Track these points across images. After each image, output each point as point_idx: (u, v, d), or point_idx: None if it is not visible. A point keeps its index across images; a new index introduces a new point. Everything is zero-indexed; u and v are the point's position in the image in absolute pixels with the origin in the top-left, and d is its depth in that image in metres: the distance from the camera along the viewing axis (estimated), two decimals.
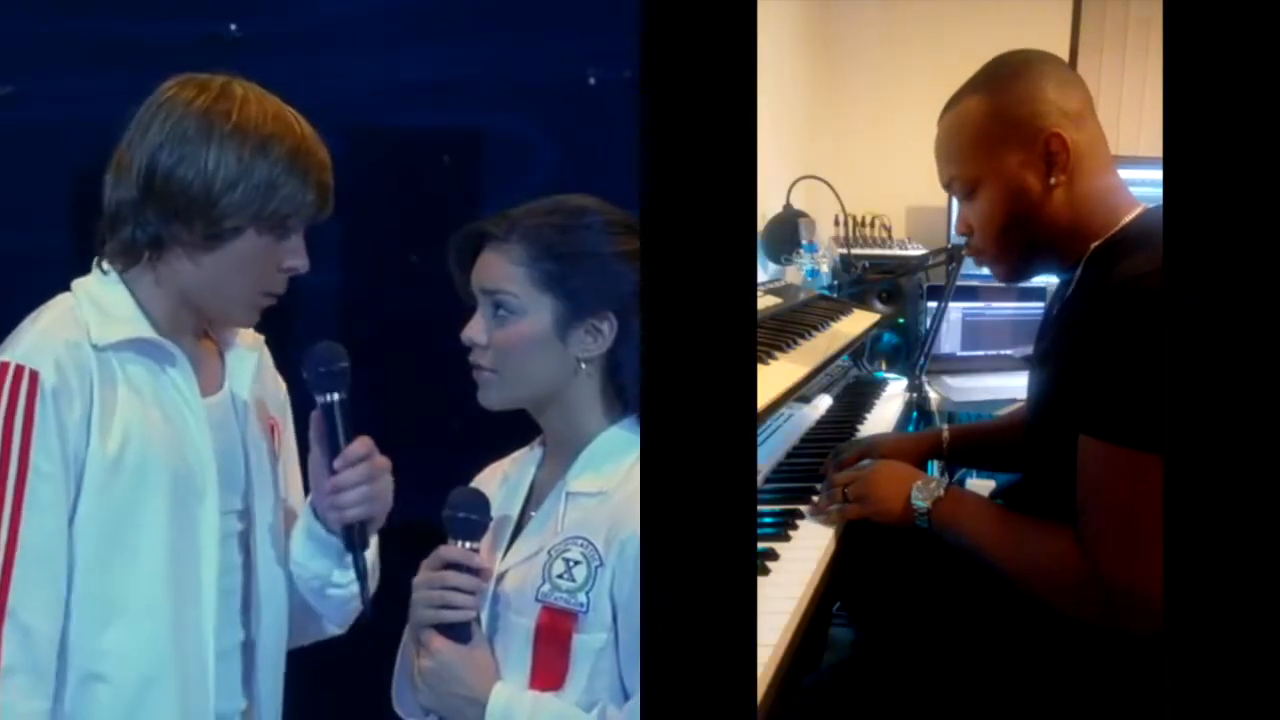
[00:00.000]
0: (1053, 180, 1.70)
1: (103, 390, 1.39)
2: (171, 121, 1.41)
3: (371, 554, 1.52)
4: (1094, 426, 1.54)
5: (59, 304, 1.44)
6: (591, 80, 2.08)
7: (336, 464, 1.46)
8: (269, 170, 1.40)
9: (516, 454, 1.52)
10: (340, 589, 1.52)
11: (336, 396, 1.46)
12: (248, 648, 1.51)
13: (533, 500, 1.47)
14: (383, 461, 1.48)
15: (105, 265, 1.45)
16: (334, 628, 1.61)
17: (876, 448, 2.10)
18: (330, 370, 1.46)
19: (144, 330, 1.43)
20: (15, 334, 1.42)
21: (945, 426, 2.40)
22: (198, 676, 1.45)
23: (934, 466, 2.40)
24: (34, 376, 1.36)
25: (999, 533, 1.70)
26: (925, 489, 1.76)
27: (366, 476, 1.46)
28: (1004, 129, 1.73)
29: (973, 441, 2.25)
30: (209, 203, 1.39)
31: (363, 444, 1.46)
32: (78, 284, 1.46)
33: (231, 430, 1.50)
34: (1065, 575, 1.58)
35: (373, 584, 1.53)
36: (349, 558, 1.48)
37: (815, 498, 1.94)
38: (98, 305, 1.43)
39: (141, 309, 1.44)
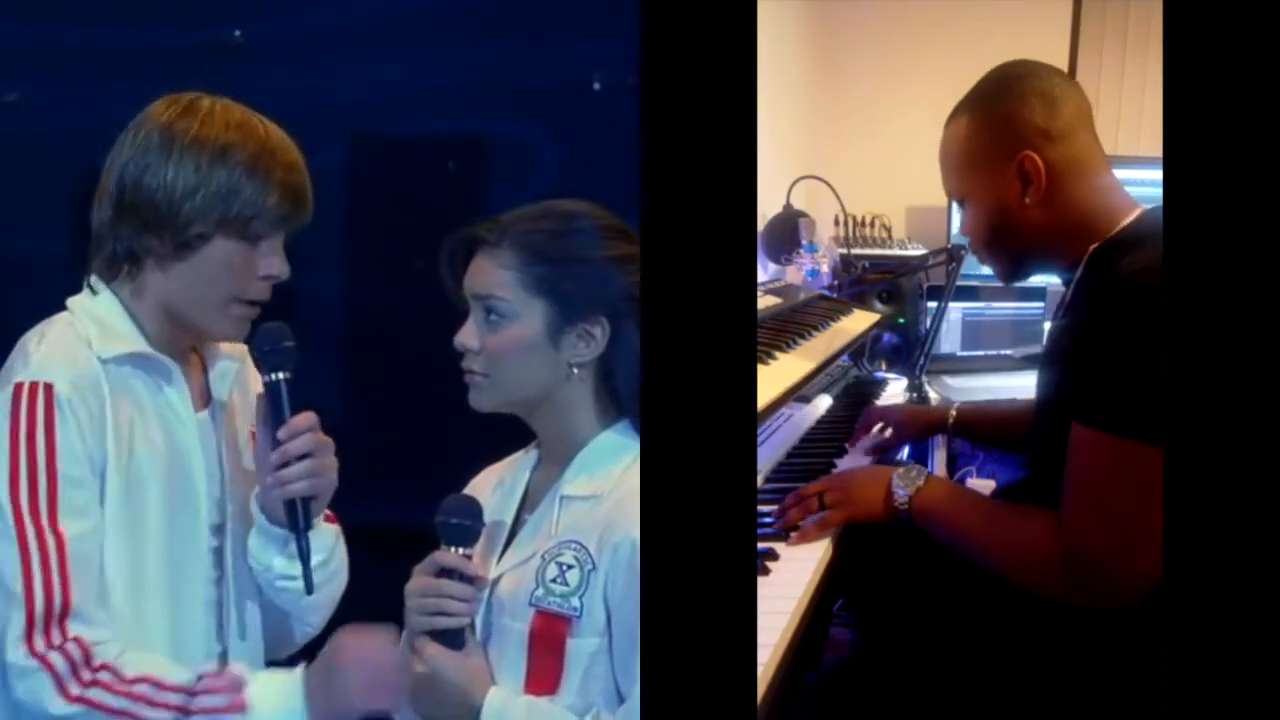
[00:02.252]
0: (1027, 199, 1.77)
1: (113, 400, 1.41)
2: (140, 139, 1.44)
3: (329, 543, 1.52)
4: (1083, 413, 1.56)
5: (59, 321, 1.45)
6: (596, 85, 2.08)
7: (281, 434, 1.46)
8: (228, 176, 1.42)
9: (512, 458, 1.51)
10: (293, 581, 1.51)
11: (282, 375, 1.47)
12: (226, 658, 1.51)
13: (527, 504, 1.47)
14: (325, 438, 1.49)
15: (94, 284, 1.46)
16: (308, 628, 1.60)
17: (893, 414, 2.44)
18: (275, 349, 1.47)
19: (141, 345, 1.45)
20: (21, 357, 1.42)
21: (955, 403, 2.48)
22: None
23: (934, 454, 2.43)
24: (49, 389, 1.37)
25: (978, 516, 1.72)
26: (905, 478, 1.78)
27: (311, 446, 1.47)
28: (983, 151, 1.82)
29: (979, 420, 2.35)
30: (171, 211, 1.42)
31: (306, 418, 1.48)
32: (73, 302, 1.47)
33: (212, 445, 1.51)
34: (1041, 552, 1.59)
35: (340, 578, 1.55)
36: (293, 546, 1.48)
37: (797, 525, 1.83)
38: (97, 320, 1.44)
39: (136, 324, 1.46)
